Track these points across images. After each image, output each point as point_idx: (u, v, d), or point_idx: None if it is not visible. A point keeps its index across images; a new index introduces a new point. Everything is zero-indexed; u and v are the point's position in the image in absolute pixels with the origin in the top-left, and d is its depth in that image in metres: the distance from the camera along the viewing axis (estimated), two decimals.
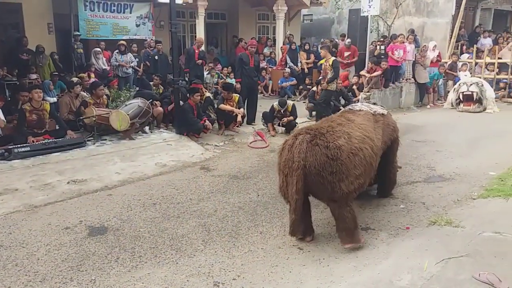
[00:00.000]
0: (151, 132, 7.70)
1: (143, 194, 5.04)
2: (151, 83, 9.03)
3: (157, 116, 7.95)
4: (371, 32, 11.96)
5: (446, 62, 12.34)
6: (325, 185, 3.50)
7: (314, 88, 9.51)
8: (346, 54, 11.95)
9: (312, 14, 18.20)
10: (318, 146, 3.50)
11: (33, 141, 6.36)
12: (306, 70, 12.33)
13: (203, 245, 3.85)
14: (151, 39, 11.04)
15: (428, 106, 11.66)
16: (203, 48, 10.34)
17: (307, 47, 12.76)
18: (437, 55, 12.03)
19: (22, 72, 8.84)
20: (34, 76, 8.70)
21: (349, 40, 12.22)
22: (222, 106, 7.94)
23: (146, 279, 3.31)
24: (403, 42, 10.93)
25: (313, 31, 17.65)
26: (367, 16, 11.09)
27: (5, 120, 6.63)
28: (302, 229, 3.82)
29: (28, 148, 6.13)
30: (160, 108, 7.95)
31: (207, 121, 7.74)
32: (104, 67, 9.86)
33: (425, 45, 11.72)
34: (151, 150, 6.73)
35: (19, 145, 6.12)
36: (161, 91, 8.96)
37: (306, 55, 12.50)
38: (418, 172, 5.80)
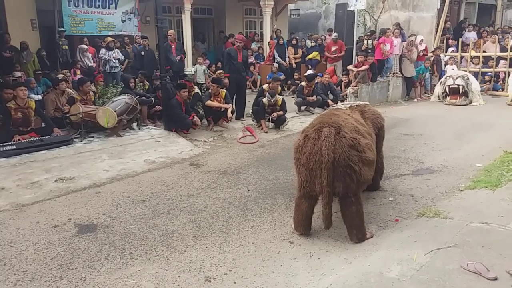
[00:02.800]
0: (139, 129, 7.63)
1: (132, 191, 5.00)
2: (137, 79, 8.90)
3: (142, 113, 7.89)
4: (357, 26, 12.01)
5: (432, 56, 12.47)
6: (348, 177, 3.55)
7: (303, 83, 9.52)
8: (333, 48, 11.99)
9: (299, 9, 18.18)
10: (345, 138, 3.56)
11: (19, 139, 6.26)
12: (294, 65, 12.34)
13: (194, 240, 3.84)
14: (137, 35, 10.92)
15: (415, 100, 11.78)
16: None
17: (294, 42, 12.75)
18: (424, 49, 12.15)
19: (5, 70, 8.66)
20: (18, 73, 8.54)
21: (336, 34, 12.25)
22: (208, 102, 7.91)
23: (137, 275, 3.29)
24: (389, 37, 11.00)
25: (301, 26, 17.65)
26: (354, 10, 11.13)
27: None
28: (307, 224, 3.84)
29: (14, 147, 6.03)
30: None
31: (195, 117, 7.70)
32: (90, 64, 9.72)
33: (411, 39, 11.82)
34: (140, 147, 6.67)
35: (4, 144, 6.01)
36: (147, 87, 8.88)
37: (294, 50, 12.50)
38: (406, 165, 5.86)
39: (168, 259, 3.53)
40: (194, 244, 3.77)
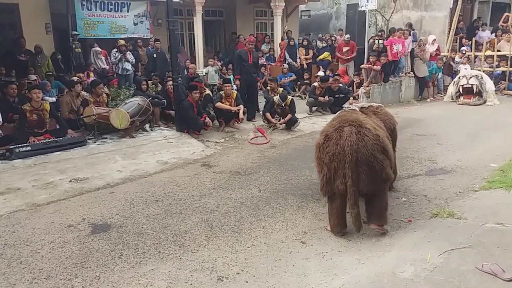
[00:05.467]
0: (152, 130, 7.72)
1: (145, 191, 5.05)
2: (150, 82, 9.01)
3: (154, 114, 7.97)
4: (369, 27, 11.94)
5: (445, 56, 12.33)
6: (372, 175, 3.56)
7: (315, 84, 9.51)
8: (345, 49, 11.95)
9: (310, 10, 18.17)
10: (368, 137, 3.57)
11: (34, 141, 6.38)
12: (305, 65, 12.33)
13: (206, 240, 3.85)
14: (149, 38, 11.03)
15: (428, 100, 11.66)
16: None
17: (305, 42, 12.74)
18: (436, 49, 12.03)
19: (20, 73, 8.82)
20: (33, 77, 8.69)
21: (348, 35, 12.21)
22: (219, 104, 7.96)
23: (150, 274, 3.32)
24: (401, 37, 10.92)
25: (312, 26, 17.63)
26: (365, 11, 11.07)
27: (1, 121, 6.63)
28: (342, 223, 3.84)
29: (29, 148, 6.15)
30: None
31: (207, 118, 7.75)
32: (103, 66, 9.85)
33: (421, 39, 11.72)
34: (152, 148, 6.74)
35: (20, 145, 6.13)
36: (159, 89, 8.96)
37: (305, 51, 12.49)
38: (419, 165, 5.81)
39: (180, 258, 3.55)
40: (206, 244, 3.79)
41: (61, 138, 6.62)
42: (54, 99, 7.96)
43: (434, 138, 7.23)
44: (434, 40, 12.04)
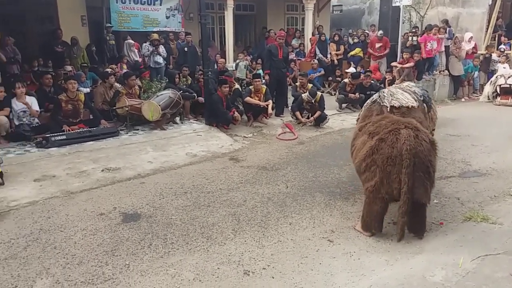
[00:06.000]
0: (182, 123, 7.84)
1: (175, 183, 5.13)
2: (181, 74, 9.12)
3: (184, 107, 8.07)
4: (403, 23, 11.64)
5: (482, 54, 11.89)
6: (427, 181, 3.46)
7: (346, 80, 9.37)
8: (377, 45, 11.68)
9: (342, 5, 17.90)
10: (425, 141, 3.45)
11: (68, 130, 6.58)
12: (336, 61, 12.16)
13: (233, 234, 3.88)
14: (181, 31, 11.14)
15: (463, 99, 11.29)
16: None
17: (336, 38, 12.55)
18: (473, 47, 11.60)
19: (57, 63, 9.10)
20: (69, 68, 8.94)
21: (381, 31, 11.93)
22: (248, 99, 7.97)
23: (178, 265, 3.38)
24: (436, 34, 10.59)
25: (343, 22, 17.35)
26: (399, 6, 10.80)
27: (39, 110, 6.86)
28: (378, 225, 3.78)
29: (64, 137, 6.34)
30: None
31: (236, 112, 7.78)
32: (136, 59, 10.03)
33: (457, 37, 11.32)
34: (182, 140, 6.83)
35: (55, 134, 6.34)
36: (189, 82, 9.05)
37: (336, 47, 12.31)
38: (453, 166, 5.64)
39: (208, 250, 3.60)
40: (233, 237, 3.82)
41: (94, 128, 6.81)
42: (88, 90, 8.17)
43: (468, 139, 7.00)
44: (471, 37, 11.62)
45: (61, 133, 6.40)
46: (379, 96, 4.44)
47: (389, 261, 3.37)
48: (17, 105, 6.61)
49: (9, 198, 4.61)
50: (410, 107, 4.25)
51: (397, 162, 3.41)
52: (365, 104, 4.68)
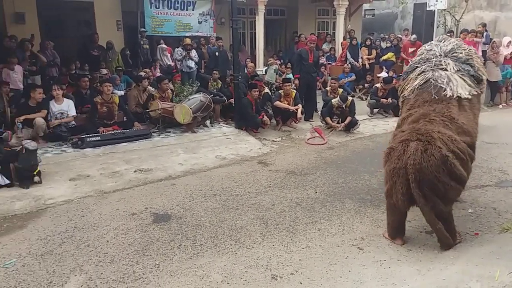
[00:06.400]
0: (212, 126, 7.95)
1: (204, 185, 5.19)
2: (211, 77, 9.24)
3: (215, 111, 8.16)
4: (437, 27, 11.39)
5: None
6: (435, 197, 3.34)
7: (378, 85, 9.23)
8: (410, 50, 11.44)
9: (374, 9, 17.67)
10: (434, 157, 3.25)
11: (103, 131, 6.79)
12: (367, 66, 12.00)
13: (261, 237, 3.89)
14: (212, 36, 11.29)
15: (500, 106, 10.86)
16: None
17: (368, 42, 12.40)
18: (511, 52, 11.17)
19: (93, 67, 9.42)
20: (104, 71, 9.23)
21: (414, 36, 11.71)
22: (277, 103, 7.97)
23: (206, 267, 3.41)
24: (472, 39, 10.27)
25: (375, 26, 17.13)
26: (434, 10, 10.56)
27: (75, 114, 7.09)
28: (401, 231, 3.73)
29: (99, 138, 6.55)
30: None
31: (265, 116, 7.80)
32: (169, 63, 10.25)
33: (494, 41, 10.93)
34: (212, 143, 6.92)
35: (90, 135, 6.56)
36: (219, 86, 9.15)
37: (368, 51, 12.16)
38: (489, 175, 5.44)
39: (236, 253, 3.62)
40: (261, 241, 3.82)
41: (128, 130, 7.00)
42: (122, 92, 8.41)
43: (506, 147, 6.73)
44: (510, 42, 11.18)
45: (96, 134, 6.62)
46: (434, 78, 4.00)
47: (421, 271, 3.28)
48: (55, 106, 6.87)
49: (46, 196, 4.80)
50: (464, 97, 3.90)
51: (401, 175, 3.34)
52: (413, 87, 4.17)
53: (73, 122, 7.00)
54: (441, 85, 3.93)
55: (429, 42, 4.69)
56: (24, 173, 4.98)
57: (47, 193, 4.85)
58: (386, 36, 13.68)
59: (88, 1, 10.37)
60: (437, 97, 3.88)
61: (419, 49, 4.81)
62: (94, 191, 4.98)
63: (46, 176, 5.26)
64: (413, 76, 4.25)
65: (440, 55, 4.27)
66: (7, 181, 4.97)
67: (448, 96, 3.85)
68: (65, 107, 6.93)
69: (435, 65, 4.15)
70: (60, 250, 3.66)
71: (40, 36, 9.72)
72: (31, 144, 5.07)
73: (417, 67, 4.29)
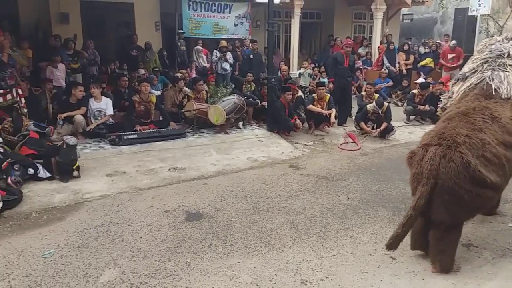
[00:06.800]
0: (244, 128, 8.00)
1: (236, 186, 5.23)
2: (245, 80, 9.31)
3: (248, 113, 8.22)
4: (479, 33, 10.99)
5: None
6: (455, 206, 3.17)
7: (414, 91, 9.01)
8: (450, 56, 11.12)
9: (412, 14, 17.29)
10: (453, 162, 3.08)
11: (140, 130, 6.97)
12: (404, 71, 11.74)
13: (291, 241, 3.87)
14: (245, 38, 11.37)
15: None
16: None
17: (406, 47, 12.13)
18: None
19: (131, 67, 9.69)
20: (142, 71, 9.48)
21: (454, 42, 11.36)
22: (310, 107, 7.92)
23: (236, 267, 3.43)
24: None
25: (414, 31, 16.74)
26: (476, 15, 10.20)
27: (112, 113, 7.29)
28: (422, 244, 3.53)
29: (136, 136, 6.72)
30: None
31: (297, 119, 7.77)
32: (204, 65, 10.41)
33: None
34: (244, 145, 6.97)
35: (127, 133, 6.74)
36: (253, 89, 9.20)
37: (406, 56, 11.90)
38: None
39: (266, 256, 3.62)
40: (291, 245, 3.80)
41: (163, 129, 7.16)
42: (159, 92, 8.60)
43: None
44: None
45: (133, 132, 6.80)
46: (490, 77, 3.81)
47: (457, 285, 3.18)
48: (93, 104, 7.12)
49: (84, 190, 4.97)
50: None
51: (419, 180, 3.21)
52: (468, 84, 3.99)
53: (111, 120, 7.23)
54: (495, 84, 3.75)
55: (493, 38, 4.41)
56: (64, 167, 5.18)
57: (85, 188, 5.03)
58: (426, 41, 13.34)
59: (129, 2, 10.69)
60: (487, 96, 3.70)
61: (480, 44, 4.46)
62: (130, 188, 5.11)
63: (85, 171, 5.44)
64: (469, 73, 4.06)
65: (506, 55, 3.98)
66: (48, 174, 5.18)
67: (502, 96, 3.67)
68: (103, 105, 7.15)
69: (498, 65, 3.92)
70: (96, 243, 3.77)
71: (82, 36, 10.10)
72: (71, 140, 5.26)
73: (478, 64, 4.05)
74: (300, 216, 4.40)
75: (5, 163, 4.83)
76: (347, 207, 4.66)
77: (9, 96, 6.05)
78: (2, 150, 5.07)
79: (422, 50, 12.53)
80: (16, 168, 4.93)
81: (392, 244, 3.27)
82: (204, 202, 4.70)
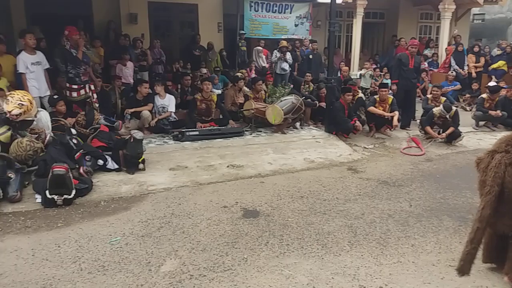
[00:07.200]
0: (302, 128, 7.98)
1: (292, 186, 5.22)
2: (303, 80, 9.25)
3: (305, 113, 8.16)
4: None
5: None
6: None
7: (484, 95, 8.46)
8: None
9: (484, 14, 16.26)
10: None
11: (201, 127, 7.21)
12: (473, 74, 11.06)
13: (349, 246, 3.79)
14: (304, 38, 11.28)
15: None
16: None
17: (476, 49, 11.42)
18: None
19: (194, 66, 10.01)
20: (204, 70, 9.76)
21: None
22: (371, 109, 7.70)
23: (292, 267, 3.41)
24: None
25: (485, 32, 15.73)
26: None
27: (173, 110, 7.57)
28: (494, 256, 3.35)
29: (197, 133, 6.96)
30: None
31: (357, 121, 7.60)
32: (263, 65, 10.49)
33: None
34: (301, 146, 6.94)
35: (190, 129, 7.00)
36: (311, 89, 9.13)
37: (475, 58, 11.20)
38: None
39: (322, 258, 3.57)
40: (349, 250, 3.72)
41: (223, 127, 7.36)
42: (220, 91, 8.83)
43: None
44: None
45: (195, 129, 7.05)
46: None
47: None
48: (158, 101, 7.45)
49: (148, 182, 5.21)
50: None
51: (483, 187, 3.03)
52: None
53: (174, 116, 7.52)
54: None
55: None
56: (131, 160, 5.46)
57: (150, 180, 5.27)
58: (501, 43, 12.48)
59: (193, 3, 11.03)
60: None
61: None
62: (191, 182, 5.28)
63: (149, 164, 5.70)
64: None
65: None
66: (116, 166, 5.50)
67: None
68: (166, 102, 7.49)
69: None
70: (159, 234, 3.93)
71: (149, 36, 10.58)
72: (138, 134, 5.54)
73: None
74: (358, 221, 4.29)
75: (78, 153, 5.20)
76: (409, 214, 4.48)
77: (82, 92, 6.50)
78: (75, 142, 5.46)
79: (495, 52, 11.73)
80: (88, 159, 5.28)
81: (464, 267, 3.05)
82: (261, 200, 4.74)
